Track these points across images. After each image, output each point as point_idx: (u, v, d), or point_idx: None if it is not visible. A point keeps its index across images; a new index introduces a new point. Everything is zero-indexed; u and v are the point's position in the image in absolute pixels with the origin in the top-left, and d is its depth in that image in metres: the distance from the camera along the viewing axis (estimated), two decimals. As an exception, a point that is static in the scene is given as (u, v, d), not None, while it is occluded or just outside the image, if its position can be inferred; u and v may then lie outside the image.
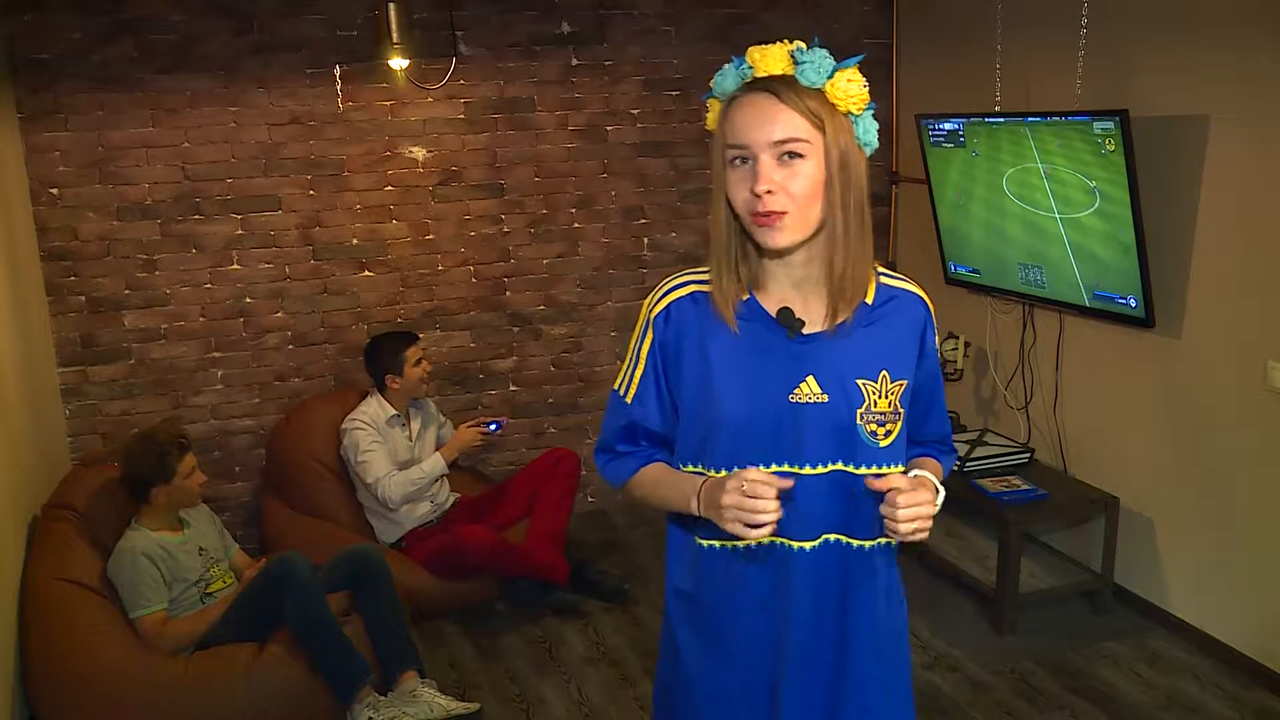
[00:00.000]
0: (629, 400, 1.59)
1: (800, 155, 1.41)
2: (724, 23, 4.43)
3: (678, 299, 1.56)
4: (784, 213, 1.41)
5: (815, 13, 4.50)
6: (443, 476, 3.91)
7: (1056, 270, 3.57)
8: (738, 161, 1.43)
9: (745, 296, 1.52)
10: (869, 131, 1.47)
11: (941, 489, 1.55)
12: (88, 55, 3.82)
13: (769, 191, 1.40)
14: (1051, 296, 3.65)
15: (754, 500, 1.37)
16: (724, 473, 1.50)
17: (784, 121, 1.40)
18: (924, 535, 1.44)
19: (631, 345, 1.60)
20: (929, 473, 1.57)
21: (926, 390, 1.63)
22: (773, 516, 1.38)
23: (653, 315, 1.57)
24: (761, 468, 1.43)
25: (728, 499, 1.39)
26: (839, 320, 1.49)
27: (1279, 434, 3.05)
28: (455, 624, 3.73)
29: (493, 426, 3.98)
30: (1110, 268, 3.35)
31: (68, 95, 3.83)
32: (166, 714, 2.89)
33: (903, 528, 1.42)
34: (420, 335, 4.02)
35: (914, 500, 1.41)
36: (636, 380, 1.59)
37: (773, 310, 1.51)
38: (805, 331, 1.50)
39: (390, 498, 3.74)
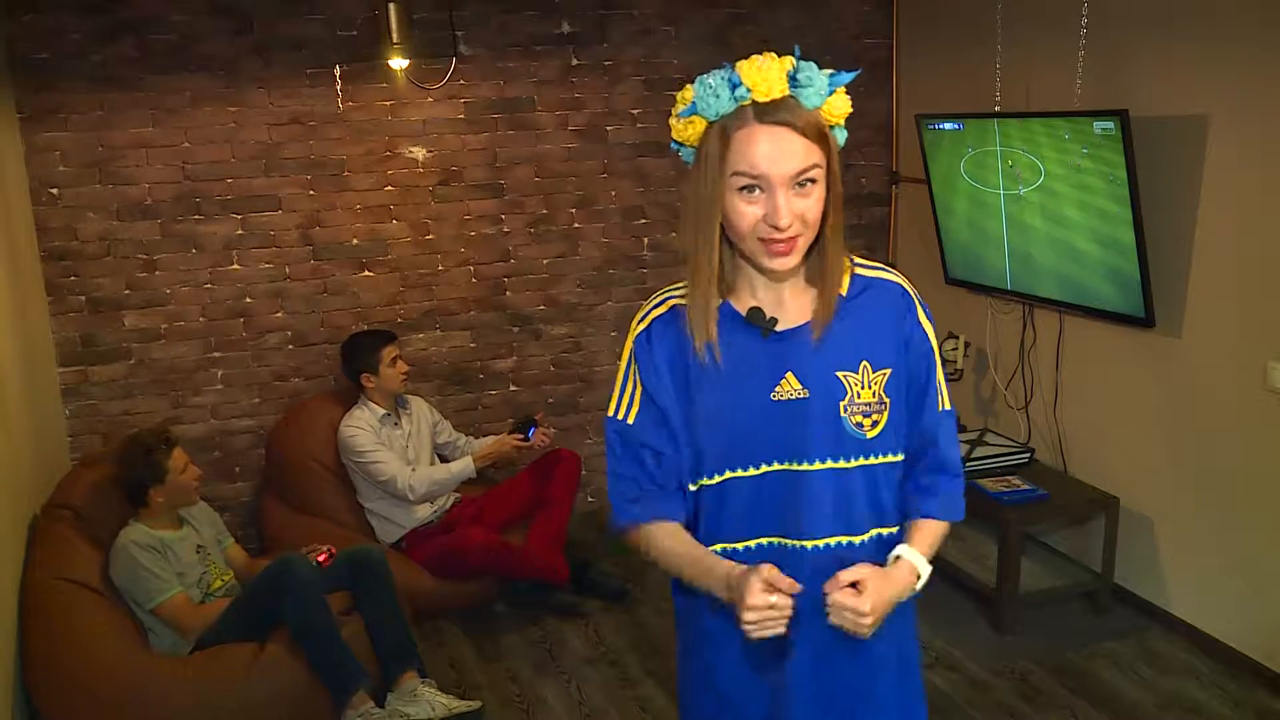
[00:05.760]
0: (630, 421, 1.57)
1: (814, 181, 1.41)
2: (724, 23, 4.43)
3: (658, 317, 1.56)
4: (798, 238, 1.42)
5: (815, 12, 4.50)
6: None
7: (1056, 269, 3.57)
8: (746, 190, 1.41)
9: (719, 303, 1.51)
10: (843, 135, 1.48)
11: (924, 570, 1.52)
12: (88, 55, 3.82)
13: (789, 224, 1.39)
14: (1051, 296, 3.65)
15: (768, 615, 1.39)
16: (719, 477, 1.52)
17: (802, 155, 1.39)
18: (859, 631, 1.43)
19: (620, 370, 1.59)
20: (917, 550, 1.53)
21: (919, 382, 1.56)
22: (781, 627, 1.40)
23: (635, 336, 1.57)
24: (765, 589, 1.39)
25: (747, 616, 1.39)
26: (822, 318, 1.49)
27: (1279, 434, 3.05)
28: (455, 624, 3.73)
29: (531, 432, 3.91)
30: (1110, 267, 3.35)
31: (68, 95, 3.82)
32: (166, 714, 2.89)
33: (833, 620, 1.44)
34: (398, 335, 4.00)
35: (846, 604, 1.41)
36: (629, 399, 1.57)
37: (743, 312, 1.51)
38: (779, 329, 1.50)
39: (414, 488, 3.74)
